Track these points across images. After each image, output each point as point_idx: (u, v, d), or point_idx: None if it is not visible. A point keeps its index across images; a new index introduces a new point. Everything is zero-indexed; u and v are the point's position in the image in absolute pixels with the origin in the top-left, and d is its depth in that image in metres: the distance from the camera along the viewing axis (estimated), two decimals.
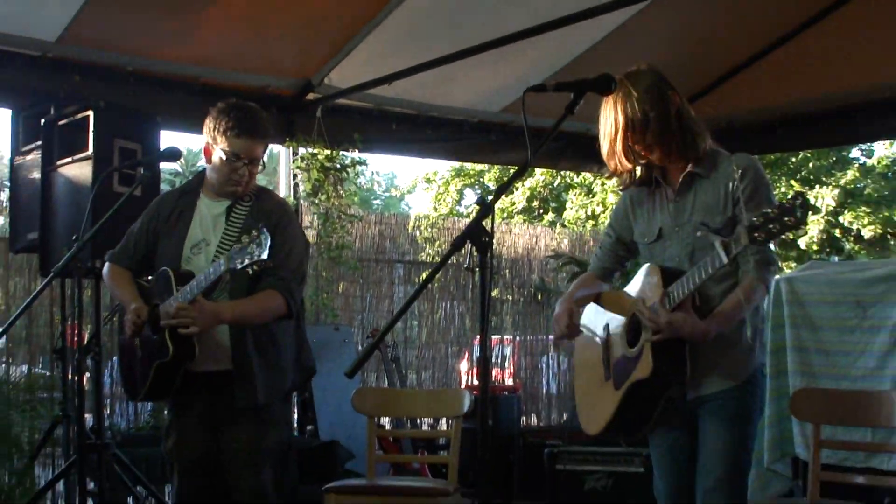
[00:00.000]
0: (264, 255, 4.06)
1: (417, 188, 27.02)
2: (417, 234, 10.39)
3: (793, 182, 21.85)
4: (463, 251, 3.45)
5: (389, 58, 7.82)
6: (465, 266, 3.50)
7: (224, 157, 4.61)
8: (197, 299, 4.27)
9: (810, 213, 3.34)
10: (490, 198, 3.39)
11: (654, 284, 3.81)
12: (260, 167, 4.73)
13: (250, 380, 4.50)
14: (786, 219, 3.24)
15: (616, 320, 4.02)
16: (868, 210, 21.78)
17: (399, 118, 8.77)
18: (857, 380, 6.37)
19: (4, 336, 7.43)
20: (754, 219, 3.32)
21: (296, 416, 8.76)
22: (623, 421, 3.94)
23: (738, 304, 3.74)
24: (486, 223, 3.30)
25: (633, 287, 3.99)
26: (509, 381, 10.61)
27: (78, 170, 6.28)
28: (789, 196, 3.31)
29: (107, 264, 4.94)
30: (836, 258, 21.55)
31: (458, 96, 8.63)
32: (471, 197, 23.29)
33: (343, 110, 8.44)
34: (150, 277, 4.79)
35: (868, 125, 8.53)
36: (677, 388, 3.81)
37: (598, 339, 4.11)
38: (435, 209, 23.22)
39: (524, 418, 10.11)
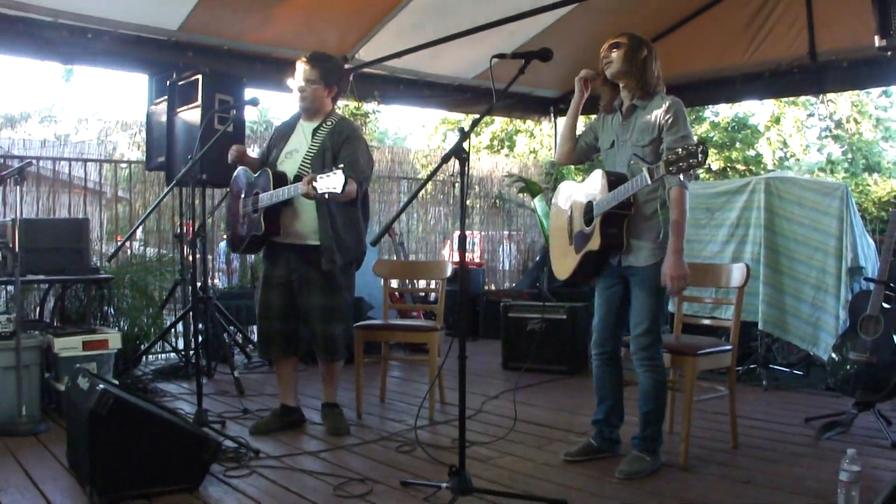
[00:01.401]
0: (338, 189, 4.12)
1: (415, 132, 27.31)
2: (416, 160, 10.57)
3: None
4: (447, 166, 3.69)
5: (399, 40, 8.01)
6: (450, 175, 3.73)
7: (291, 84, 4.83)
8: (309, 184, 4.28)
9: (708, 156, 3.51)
10: (467, 129, 3.64)
11: (602, 186, 3.99)
12: (308, 87, 4.79)
13: (329, 253, 4.65)
14: (691, 159, 3.49)
15: (578, 203, 4.21)
16: (715, 151, 22.65)
17: (405, 82, 8.98)
18: (706, 260, 6.59)
19: (141, 228, 7.69)
20: (670, 156, 3.56)
21: None
22: (581, 273, 4.21)
23: (678, 215, 3.93)
24: (465, 146, 3.55)
25: (588, 185, 4.15)
26: (477, 260, 10.83)
27: (191, 115, 6.48)
28: (692, 145, 3.51)
29: None
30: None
31: (445, 67, 8.81)
32: (452, 137, 23.33)
33: (368, 76, 8.57)
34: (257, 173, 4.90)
35: (714, 94, 9.18)
36: (615, 257, 4.10)
37: (566, 215, 4.33)
38: (427, 146, 23.39)
39: (486, 285, 10.33)
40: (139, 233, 8.09)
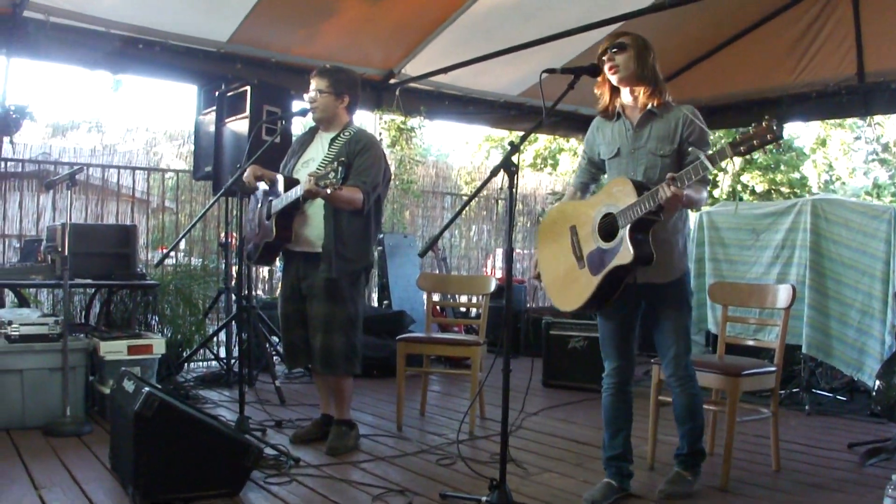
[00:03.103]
0: (336, 181, 4.18)
1: (458, 148, 27.31)
2: (459, 177, 10.60)
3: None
4: (493, 182, 3.67)
5: (444, 56, 8.04)
6: (497, 190, 3.71)
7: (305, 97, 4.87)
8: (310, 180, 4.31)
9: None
10: (517, 142, 3.59)
11: (627, 191, 3.59)
12: (318, 98, 4.79)
13: (329, 259, 4.61)
14: (767, 135, 3.24)
15: (583, 223, 3.82)
16: (760, 173, 22.39)
17: (450, 98, 9.00)
18: (750, 281, 6.54)
19: (186, 237, 7.77)
20: (737, 137, 3.34)
21: (376, 294, 9.06)
22: (598, 299, 3.73)
23: (698, 190, 3.66)
24: (515, 159, 3.52)
25: (600, 198, 3.79)
26: (519, 277, 10.80)
27: (239, 125, 6.55)
28: (763, 121, 3.27)
29: None
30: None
31: (490, 83, 8.83)
32: (495, 155, 23.17)
33: (413, 91, 8.63)
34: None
35: (759, 115, 8.52)
36: (634, 274, 3.71)
37: (566, 240, 3.90)
38: (470, 162, 23.39)
39: (528, 302, 10.30)
40: (183, 242, 8.16)
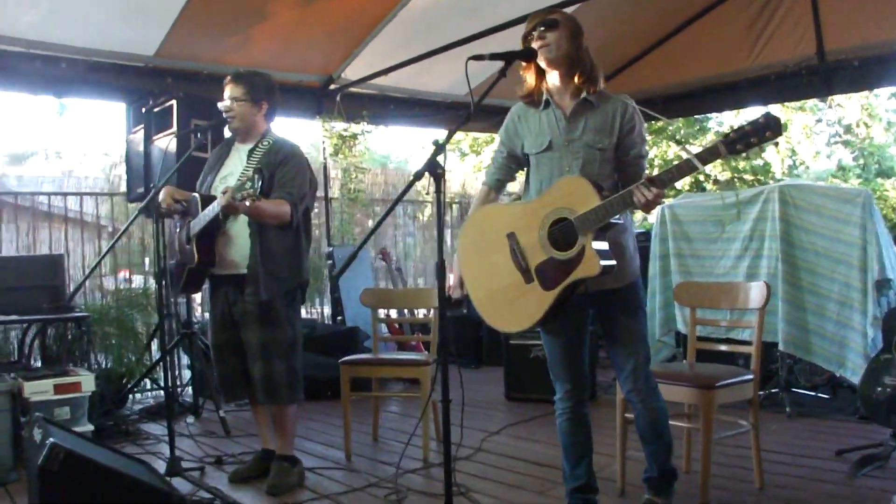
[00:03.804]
0: (254, 191, 3.85)
1: (415, 154, 26.84)
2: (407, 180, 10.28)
3: (670, 143, 21.94)
4: (423, 182, 3.28)
5: (385, 57, 7.71)
6: (426, 193, 3.35)
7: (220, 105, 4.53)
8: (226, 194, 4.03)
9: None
10: (441, 140, 3.15)
11: (585, 193, 3.17)
12: (234, 106, 4.46)
13: (255, 281, 4.28)
14: (765, 133, 2.87)
15: (525, 230, 3.36)
16: (721, 162, 21.91)
17: (395, 101, 8.67)
18: (719, 276, 6.26)
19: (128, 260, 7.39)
20: (730, 134, 2.95)
21: (329, 310, 8.71)
22: (552, 316, 3.31)
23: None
24: (440, 160, 3.10)
25: (552, 200, 3.31)
26: None
27: (167, 142, 6.18)
28: (760, 116, 2.88)
29: None
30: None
31: (435, 84, 8.50)
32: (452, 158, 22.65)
33: (356, 96, 8.30)
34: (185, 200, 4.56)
35: (719, 101, 8.79)
36: (584, 284, 3.30)
37: (502, 250, 3.42)
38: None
39: None
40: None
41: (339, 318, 8.25)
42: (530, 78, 3.56)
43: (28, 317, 5.66)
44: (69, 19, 6.30)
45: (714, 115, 21.27)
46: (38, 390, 5.08)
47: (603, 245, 3.24)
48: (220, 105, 4.54)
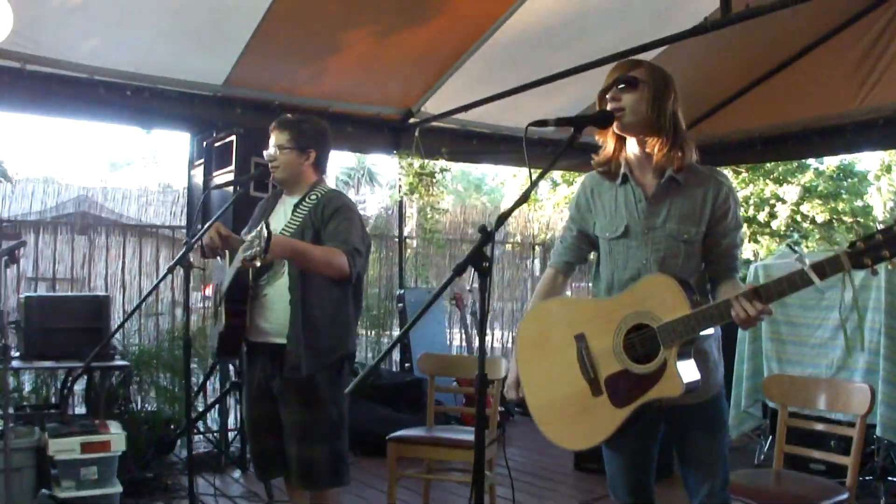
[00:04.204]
0: (260, 251, 3.33)
1: (507, 181, 26.06)
2: (492, 221, 9.75)
3: (767, 181, 21.07)
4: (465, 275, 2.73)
5: (468, 91, 7.21)
6: (468, 289, 2.78)
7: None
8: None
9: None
10: (490, 228, 2.52)
11: (673, 299, 2.66)
12: (278, 155, 3.93)
13: (297, 354, 3.73)
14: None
15: (597, 332, 2.83)
16: (820, 202, 21.17)
17: (478, 136, 8.17)
18: (815, 346, 5.67)
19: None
20: (858, 243, 2.40)
21: (398, 357, 8.25)
22: (620, 435, 2.80)
23: None
24: (487, 250, 2.57)
25: (631, 300, 2.78)
26: None
27: (226, 179, 5.83)
28: (880, 226, 2.35)
29: None
30: (796, 235, 20.77)
31: (520, 119, 7.89)
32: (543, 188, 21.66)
33: (435, 131, 7.84)
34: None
35: (821, 145, 7.94)
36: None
37: (567, 353, 2.89)
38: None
39: None
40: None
41: (407, 364, 7.80)
42: (608, 143, 3.01)
43: (63, 364, 5.35)
44: (134, 46, 6.03)
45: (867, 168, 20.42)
46: (64, 448, 4.77)
47: (688, 362, 2.70)
48: (264, 153, 4.08)
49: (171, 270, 4.05)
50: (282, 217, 3.99)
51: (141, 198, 7.83)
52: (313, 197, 3.95)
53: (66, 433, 4.83)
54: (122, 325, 4.75)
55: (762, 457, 6.30)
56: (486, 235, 2.48)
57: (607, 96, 2.87)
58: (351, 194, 29.47)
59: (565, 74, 6.51)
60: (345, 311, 3.89)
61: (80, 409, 6.42)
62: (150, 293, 4.38)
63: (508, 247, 9.70)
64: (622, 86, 2.85)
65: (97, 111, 6.32)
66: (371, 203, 28.30)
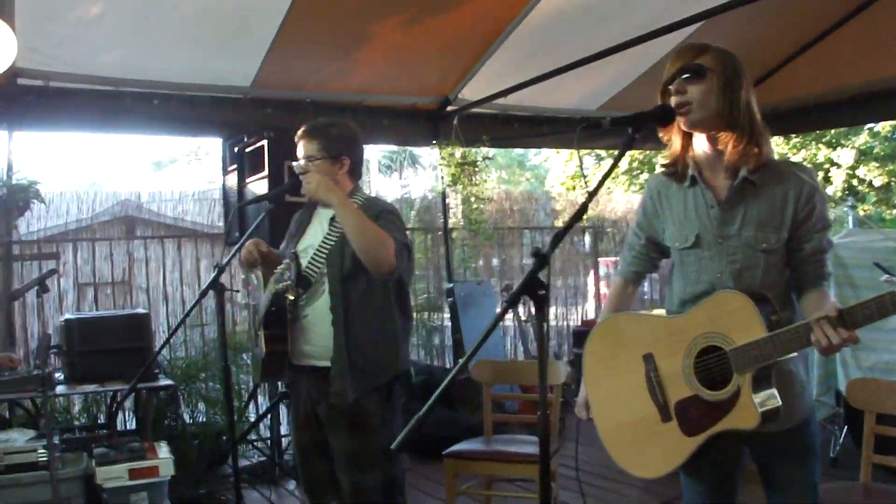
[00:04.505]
0: (291, 283, 3.29)
1: (551, 157, 25.38)
2: (538, 208, 9.46)
3: (820, 145, 20.40)
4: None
5: (507, 74, 6.94)
6: (524, 320, 2.48)
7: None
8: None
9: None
10: (545, 250, 2.21)
11: (748, 320, 2.37)
12: (309, 166, 3.59)
13: (343, 377, 3.46)
14: None
15: (666, 353, 2.57)
16: (877, 164, 20.22)
17: (519, 119, 7.87)
18: (891, 331, 5.28)
19: None
20: None
21: (452, 354, 8.03)
22: (692, 462, 2.57)
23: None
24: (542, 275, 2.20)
25: (702, 318, 2.50)
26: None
27: (259, 187, 5.65)
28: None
29: None
30: (852, 200, 20.03)
31: (563, 99, 7.70)
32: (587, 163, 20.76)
33: (474, 116, 7.55)
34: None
35: (882, 109, 7.45)
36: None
37: (636, 373, 2.64)
38: (563, 171, 21.40)
39: None
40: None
41: (461, 360, 7.56)
42: (674, 141, 2.69)
43: (107, 387, 5.19)
44: (157, 54, 5.90)
45: None
46: (112, 476, 4.63)
47: (767, 390, 2.42)
48: (293, 165, 3.81)
49: (203, 294, 3.80)
50: (318, 231, 3.70)
51: (178, 206, 7.68)
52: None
53: (113, 460, 4.69)
54: (162, 348, 4.59)
55: (837, 448, 5.93)
56: (542, 259, 2.18)
57: (671, 88, 2.56)
58: (394, 179, 29.61)
59: (606, 53, 6.20)
60: (391, 327, 3.62)
61: (131, 422, 6.32)
62: (186, 315, 4.10)
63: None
64: (687, 76, 2.53)
65: (126, 123, 6.20)
66: (415, 187, 28.08)
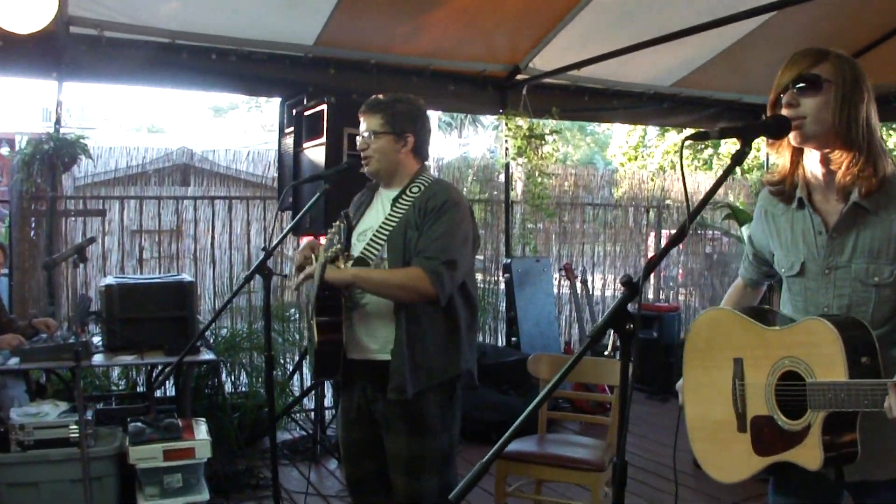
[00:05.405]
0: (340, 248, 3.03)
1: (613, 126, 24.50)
2: (602, 184, 8.96)
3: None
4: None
5: (581, 45, 6.53)
6: (606, 354, 2.11)
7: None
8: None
9: None
10: (637, 279, 1.94)
11: (831, 357, 2.01)
12: (371, 142, 3.28)
13: (402, 373, 3.15)
14: None
15: (754, 363, 2.26)
16: None
17: (590, 92, 7.43)
18: None
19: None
20: None
21: (503, 330, 7.64)
22: (756, 478, 2.28)
23: None
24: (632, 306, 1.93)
25: (791, 342, 2.17)
26: (673, 303, 8.98)
27: (316, 153, 5.28)
28: None
29: None
30: None
31: (636, 74, 7.25)
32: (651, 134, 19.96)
33: (544, 87, 7.14)
34: None
35: None
36: (833, 470, 2.22)
37: (724, 374, 2.35)
38: (626, 142, 20.59)
39: (684, 332, 8.67)
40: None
41: (514, 339, 7.18)
42: (783, 155, 2.36)
43: (147, 360, 4.87)
44: (216, 7, 5.61)
45: None
46: (146, 456, 4.33)
47: (846, 434, 2.04)
48: (356, 140, 3.43)
49: (248, 280, 3.46)
50: (380, 212, 3.35)
51: (230, 165, 7.32)
52: (415, 189, 3.30)
53: (147, 439, 4.38)
54: (207, 327, 4.23)
55: None
56: (633, 289, 1.91)
57: (783, 99, 2.20)
58: (454, 137, 29.11)
59: (684, 34, 5.79)
60: (455, 323, 3.28)
61: (170, 390, 6.05)
62: (230, 301, 3.77)
63: (620, 211, 8.91)
64: (801, 85, 2.17)
65: (180, 78, 5.94)
66: (475, 146, 27.56)
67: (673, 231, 9.13)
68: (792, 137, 2.22)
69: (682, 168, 2.15)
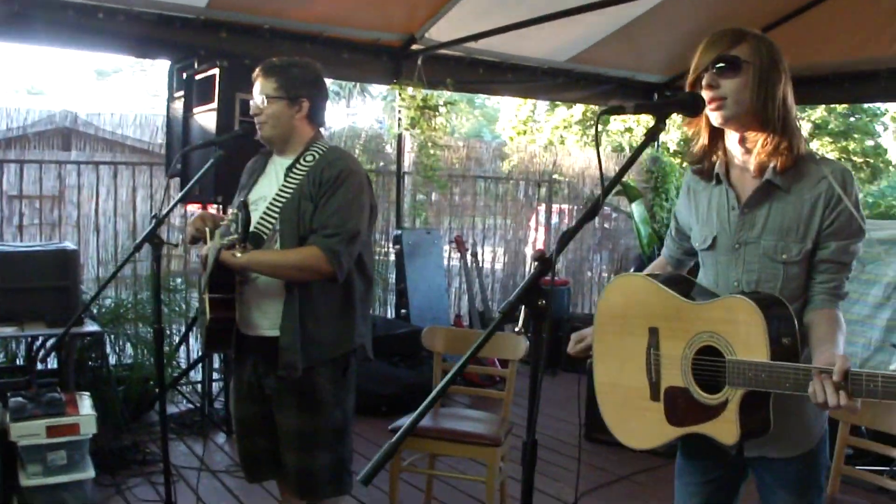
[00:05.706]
0: (237, 237, 2.85)
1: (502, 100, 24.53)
2: (494, 157, 8.94)
3: (828, 140, 20.34)
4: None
5: (478, 16, 6.49)
6: (516, 330, 2.07)
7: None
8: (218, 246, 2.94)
9: None
10: (550, 254, 1.95)
11: (753, 337, 2.04)
12: (266, 108, 3.15)
13: (293, 348, 3.09)
14: None
15: (671, 333, 2.27)
16: (830, 140, 20.35)
17: (485, 65, 7.41)
18: (850, 323, 4.99)
19: None
20: None
21: (393, 301, 7.58)
22: (667, 448, 2.37)
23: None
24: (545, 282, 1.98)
25: (713, 317, 2.18)
26: (560, 277, 9.04)
27: (207, 119, 5.15)
28: None
29: None
30: None
31: (531, 49, 7.23)
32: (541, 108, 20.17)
33: (440, 58, 7.09)
34: None
35: (855, 91, 7.33)
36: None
37: (638, 342, 2.35)
38: (515, 115, 20.60)
39: (572, 307, 8.78)
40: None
41: (403, 311, 7.12)
42: (701, 134, 2.39)
43: (28, 332, 4.65)
44: None
45: (881, 105, 19.43)
46: (28, 433, 4.12)
47: (759, 412, 2.10)
48: (250, 104, 3.30)
49: (137, 249, 3.32)
50: (273, 182, 3.25)
51: (117, 129, 7.01)
52: (309, 157, 3.20)
53: (30, 415, 4.17)
54: (95, 298, 4.02)
55: None
56: (545, 263, 1.95)
57: (703, 80, 2.22)
58: (342, 106, 28.70)
59: (582, 10, 5.86)
60: (349, 295, 3.22)
61: (52, 362, 5.78)
62: (117, 271, 3.57)
63: (510, 185, 8.91)
64: (721, 66, 2.20)
65: (66, 37, 5.60)
66: (363, 116, 27.29)
67: (563, 206, 9.27)
68: (713, 118, 2.26)
69: (597, 143, 2.16)
